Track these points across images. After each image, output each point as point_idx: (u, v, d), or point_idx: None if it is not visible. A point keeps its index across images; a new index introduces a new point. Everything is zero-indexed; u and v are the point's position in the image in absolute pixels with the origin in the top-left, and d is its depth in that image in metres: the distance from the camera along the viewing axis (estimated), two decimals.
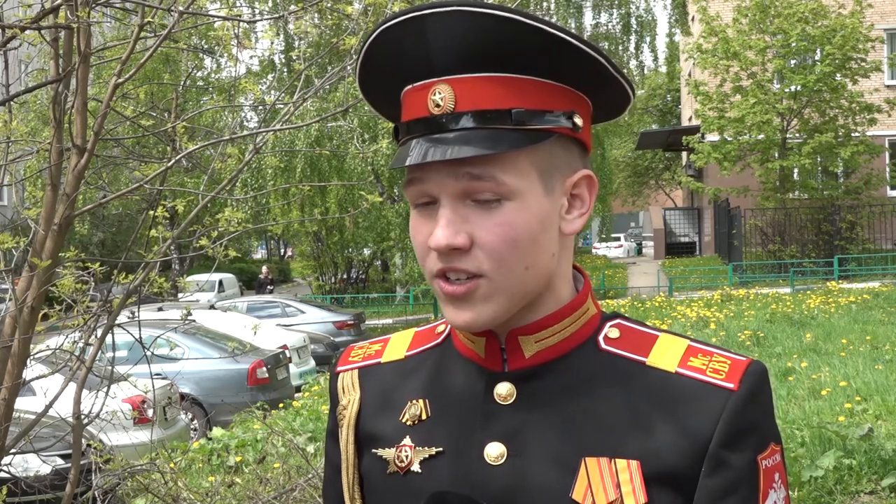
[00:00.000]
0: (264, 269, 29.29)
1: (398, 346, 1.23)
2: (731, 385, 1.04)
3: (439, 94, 1.02)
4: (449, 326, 1.20)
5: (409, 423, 1.13)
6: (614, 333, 1.11)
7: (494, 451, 1.07)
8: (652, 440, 1.03)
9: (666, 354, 1.08)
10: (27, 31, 2.91)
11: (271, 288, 27.84)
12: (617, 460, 1.03)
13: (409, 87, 1.06)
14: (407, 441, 1.12)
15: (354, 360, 1.25)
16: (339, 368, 1.26)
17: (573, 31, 1.08)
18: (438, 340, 1.20)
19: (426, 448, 1.11)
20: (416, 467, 1.10)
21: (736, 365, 1.06)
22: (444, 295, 1.05)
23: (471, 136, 1.01)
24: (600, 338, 1.11)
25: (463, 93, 1.02)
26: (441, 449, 1.10)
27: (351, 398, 1.20)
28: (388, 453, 1.13)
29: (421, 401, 1.14)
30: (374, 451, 1.15)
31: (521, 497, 1.04)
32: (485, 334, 1.10)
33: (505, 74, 1.02)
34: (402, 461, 1.12)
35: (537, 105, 1.03)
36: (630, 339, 1.11)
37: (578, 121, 1.06)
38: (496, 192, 1.02)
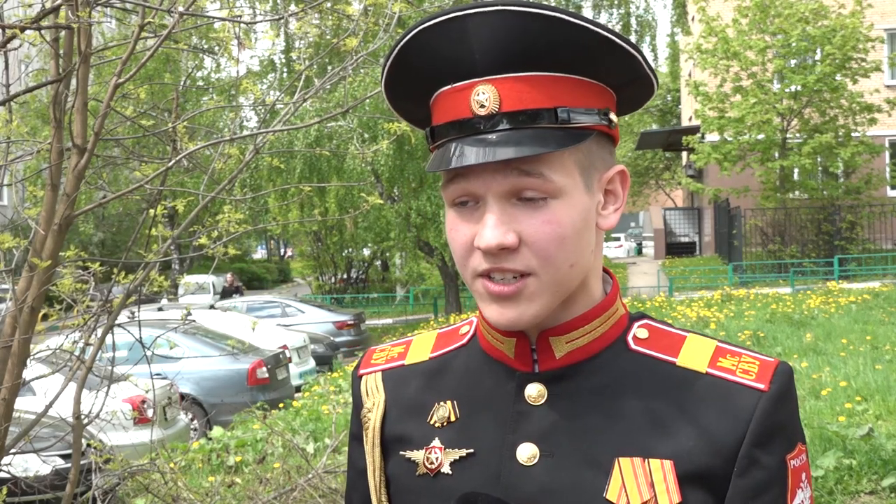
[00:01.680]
0: (228, 276, 27.29)
1: (422, 348, 1.22)
2: (761, 385, 1.05)
3: (483, 94, 1.02)
4: (473, 327, 1.20)
5: (437, 424, 1.13)
6: (643, 334, 1.12)
7: (527, 452, 1.07)
8: (684, 440, 1.04)
9: (695, 355, 1.09)
10: (27, 31, 2.91)
11: (237, 296, 26.17)
12: (650, 460, 1.03)
13: (447, 88, 1.05)
14: (436, 443, 1.12)
15: (377, 362, 1.24)
16: (361, 371, 1.24)
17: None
18: (463, 341, 1.20)
19: (456, 449, 1.11)
20: (446, 469, 1.10)
21: (765, 366, 1.07)
22: (488, 294, 1.05)
23: (519, 137, 1.01)
24: (629, 338, 1.11)
25: (507, 93, 1.01)
26: (472, 450, 1.10)
27: (376, 401, 1.20)
28: (416, 455, 1.13)
29: (449, 402, 1.14)
30: (401, 453, 1.15)
31: (555, 498, 1.05)
32: (515, 335, 1.10)
33: (548, 74, 1.02)
34: (431, 463, 1.11)
35: (579, 103, 1.03)
36: (659, 339, 1.11)
37: (613, 118, 1.07)
38: (543, 189, 1.02)
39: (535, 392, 1.09)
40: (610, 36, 1.01)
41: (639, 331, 1.12)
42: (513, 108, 1.01)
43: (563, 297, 1.07)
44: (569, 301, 1.08)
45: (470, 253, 1.05)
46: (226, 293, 24.67)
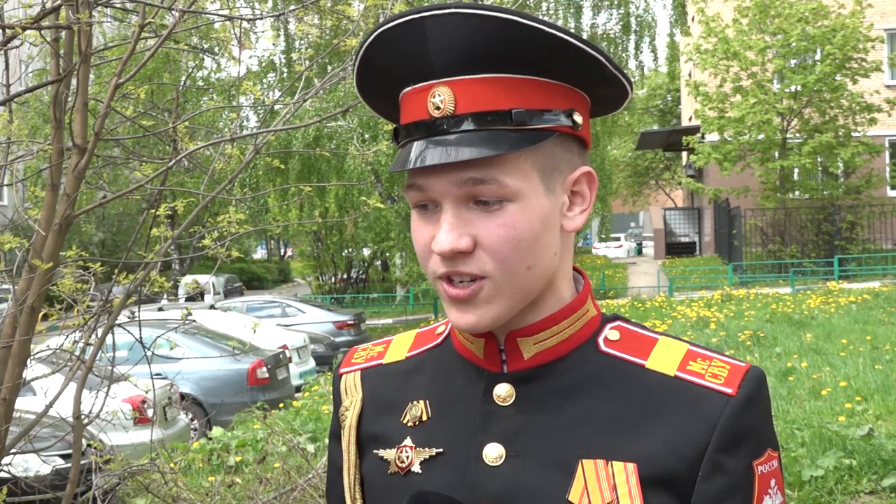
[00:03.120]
0: (194, 280, 25.37)
1: (400, 348, 1.24)
2: (729, 390, 1.04)
3: (439, 96, 1.02)
4: (448, 327, 1.20)
5: (409, 423, 1.14)
6: (614, 335, 1.11)
7: (493, 453, 1.07)
8: (649, 443, 1.03)
9: (665, 358, 1.08)
10: (28, 31, 2.91)
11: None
12: (614, 462, 1.03)
13: (409, 88, 1.06)
14: (408, 442, 1.13)
15: (357, 361, 1.25)
16: (342, 370, 1.26)
17: (572, 31, 1.08)
18: (438, 341, 1.20)
19: (426, 449, 1.11)
20: (416, 468, 1.11)
21: (735, 370, 1.06)
22: (447, 297, 1.05)
23: (471, 139, 1.01)
24: (600, 339, 1.11)
25: (463, 95, 1.01)
26: (441, 450, 1.10)
27: (353, 399, 1.21)
28: (389, 454, 1.14)
29: (421, 402, 1.15)
30: (375, 451, 1.16)
31: (519, 498, 1.05)
32: (484, 336, 1.11)
33: (504, 75, 1.02)
34: (402, 462, 1.12)
35: (537, 104, 1.03)
36: (630, 341, 1.11)
37: (578, 118, 1.06)
38: (498, 194, 1.01)
39: (503, 392, 1.09)
40: (565, 37, 1.01)
41: (610, 332, 1.11)
42: (468, 111, 1.01)
43: (526, 300, 1.07)
44: (536, 302, 1.08)
45: (429, 255, 1.05)
46: (190, 300, 23.14)
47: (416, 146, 1.03)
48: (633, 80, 1.08)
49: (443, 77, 1.02)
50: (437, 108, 1.02)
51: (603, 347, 1.10)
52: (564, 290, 1.11)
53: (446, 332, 1.20)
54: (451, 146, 1.01)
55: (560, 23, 24.53)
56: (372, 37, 1.04)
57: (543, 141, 1.03)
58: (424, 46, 1.01)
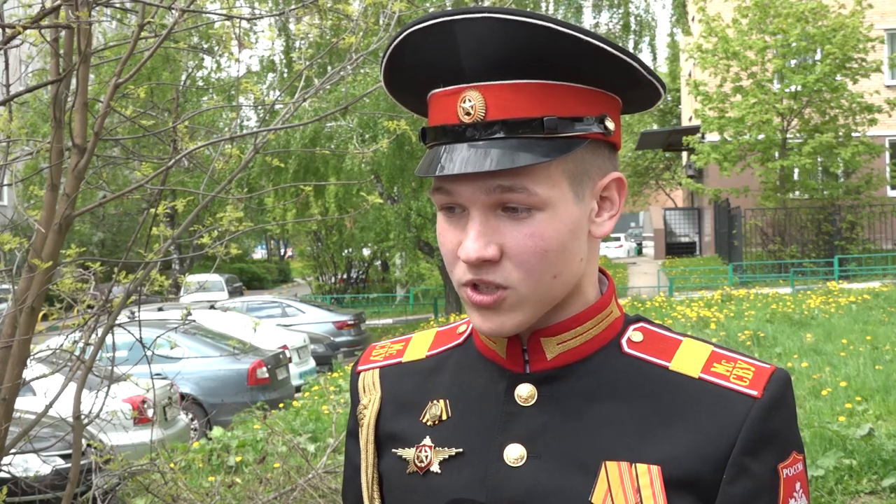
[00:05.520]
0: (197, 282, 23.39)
1: (419, 346, 1.22)
2: (754, 392, 1.03)
3: (469, 101, 1.01)
4: (470, 327, 1.19)
5: (429, 423, 1.13)
6: (637, 337, 1.10)
7: (514, 453, 1.06)
8: (673, 445, 1.03)
9: (689, 359, 1.07)
10: (28, 31, 2.90)
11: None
12: (637, 465, 1.02)
13: (438, 90, 1.04)
14: (427, 441, 1.12)
15: (375, 359, 1.24)
16: (360, 368, 1.25)
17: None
18: (459, 341, 1.19)
19: (446, 448, 1.10)
20: (435, 468, 1.10)
21: (760, 372, 1.05)
22: (471, 303, 1.05)
23: (502, 146, 0.99)
24: (623, 341, 1.10)
25: (493, 101, 1.00)
26: (461, 450, 1.09)
27: (371, 398, 1.20)
28: (407, 453, 1.13)
29: (441, 401, 1.14)
30: (393, 450, 1.15)
31: (540, 500, 1.04)
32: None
33: (536, 81, 1.00)
34: (421, 461, 1.11)
35: (569, 112, 1.01)
36: (653, 343, 1.10)
37: (610, 124, 1.05)
38: (527, 202, 1.00)
39: (525, 393, 1.08)
40: (599, 44, 0.99)
41: (633, 334, 1.11)
42: (498, 117, 1.00)
43: (550, 306, 1.06)
44: (561, 303, 1.07)
45: (455, 261, 1.04)
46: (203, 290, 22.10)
47: (445, 151, 1.02)
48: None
49: (473, 81, 1.00)
50: (468, 113, 1.00)
51: (626, 349, 1.09)
52: (590, 291, 1.10)
53: (468, 331, 1.19)
54: (481, 153, 0.99)
55: None
56: (399, 38, 1.03)
57: (575, 149, 1.01)
58: (454, 50, 1.00)
